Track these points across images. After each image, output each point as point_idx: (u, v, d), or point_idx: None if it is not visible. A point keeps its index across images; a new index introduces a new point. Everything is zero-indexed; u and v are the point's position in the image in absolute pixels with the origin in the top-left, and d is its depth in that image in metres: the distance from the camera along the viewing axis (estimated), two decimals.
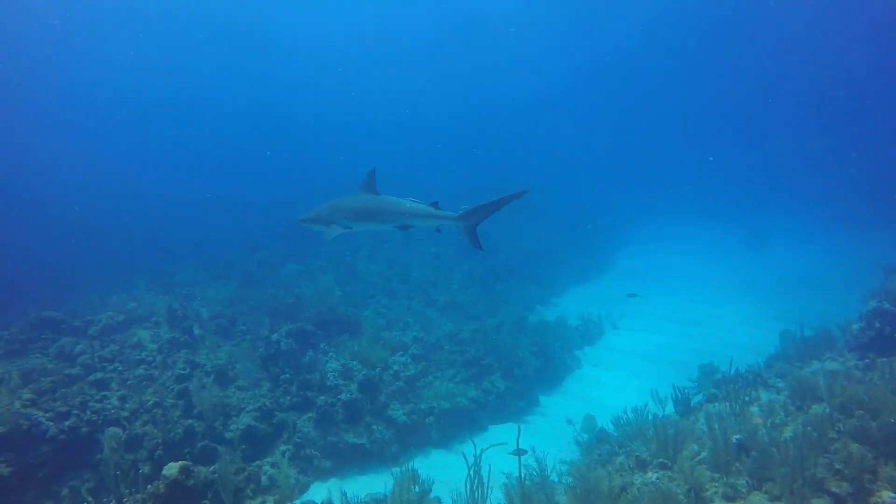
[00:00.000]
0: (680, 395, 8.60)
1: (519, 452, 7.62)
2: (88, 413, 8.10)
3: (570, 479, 7.28)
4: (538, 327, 13.48)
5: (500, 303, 15.45)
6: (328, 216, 6.87)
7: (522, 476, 6.79)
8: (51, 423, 7.78)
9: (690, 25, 45.90)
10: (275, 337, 10.29)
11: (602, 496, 5.52)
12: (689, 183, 40.25)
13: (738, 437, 6.13)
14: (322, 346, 10.60)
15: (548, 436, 9.75)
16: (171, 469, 5.09)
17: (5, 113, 41.54)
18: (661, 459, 6.42)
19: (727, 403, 7.71)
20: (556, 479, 7.40)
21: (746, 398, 7.61)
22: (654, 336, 14.83)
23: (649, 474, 6.28)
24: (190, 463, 5.20)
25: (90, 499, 7.10)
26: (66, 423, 7.82)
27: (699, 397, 9.12)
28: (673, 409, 8.63)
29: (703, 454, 6.35)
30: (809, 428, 5.57)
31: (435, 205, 6.81)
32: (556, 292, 18.76)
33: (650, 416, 8.15)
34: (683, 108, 55.74)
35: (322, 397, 9.01)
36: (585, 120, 57.49)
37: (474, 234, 6.85)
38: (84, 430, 7.85)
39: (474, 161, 36.75)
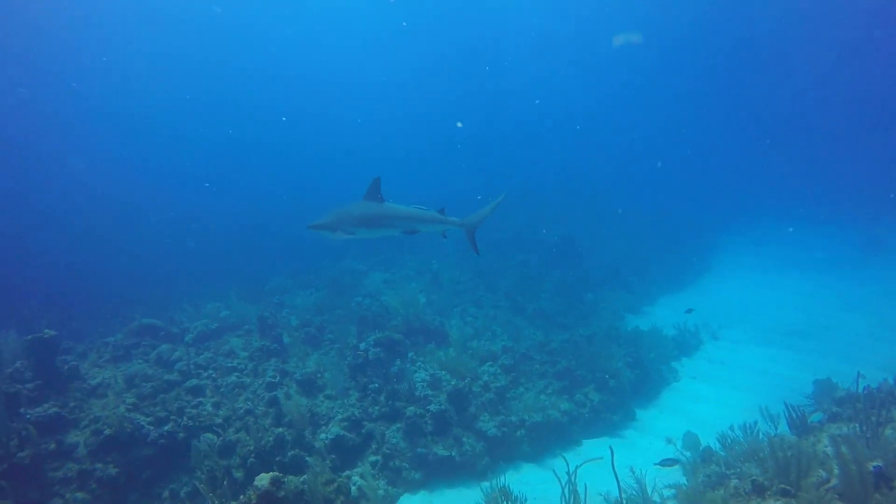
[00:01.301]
0: (795, 414, 7.81)
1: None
2: (185, 419, 8.29)
3: (675, 503, 6.74)
4: (632, 337, 12.84)
5: (591, 312, 14.90)
6: (334, 223, 7.25)
7: (624, 496, 6.33)
8: (151, 428, 8.01)
9: (778, 11, 42.85)
10: (363, 346, 10.25)
11: None
12: (792, 184, 37.48)
13: (876, 464, 5.41)
14: (410, 355, 10.46)
15: (646, 452, 9.15)
16: (263, 480, 5.00)
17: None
18: (782, 485, 5.76)
19: (854, 424, 6.90)
20: (659, 501, 6.88)
21: (878, 419, 6.75)
22: (760, 348, 13.75)
23: (769, 502, 5.64)
24: (280, 474, 5.11)
25: (187, 503, 7.25)
26: (165, 428, 8.03)
27: (817, 416, 8.29)
28: (787, 429, 7.87)
29: (833, 482, 5.64)
30: None
31: (441, 211, 7.36)
32: (649, 301, 17.93)
33: (761, 436, 7.48)
34: (781, 103, 52.21)
35: (411, 408, 8.84)
36: (678, 119, 54.85)
37: (473, 238, 7.55)
38: (181, 435, 8.03)
39: (562, 168, 35.65)
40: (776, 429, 8.02)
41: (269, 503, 4.97)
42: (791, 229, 26.22)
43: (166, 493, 7.51)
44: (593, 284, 17.44)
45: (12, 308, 13.33)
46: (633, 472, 6.96)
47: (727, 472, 6.88)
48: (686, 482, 7.02)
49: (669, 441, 9.37)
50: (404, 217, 7.32)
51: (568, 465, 6.60)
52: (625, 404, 10.56)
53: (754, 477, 6.01)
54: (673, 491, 6.89)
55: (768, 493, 5.77)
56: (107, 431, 7.81)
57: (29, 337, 9.26)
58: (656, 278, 19.44)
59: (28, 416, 7.96)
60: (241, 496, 5.22)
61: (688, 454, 8.27)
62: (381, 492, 7.58)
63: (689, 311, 13.98)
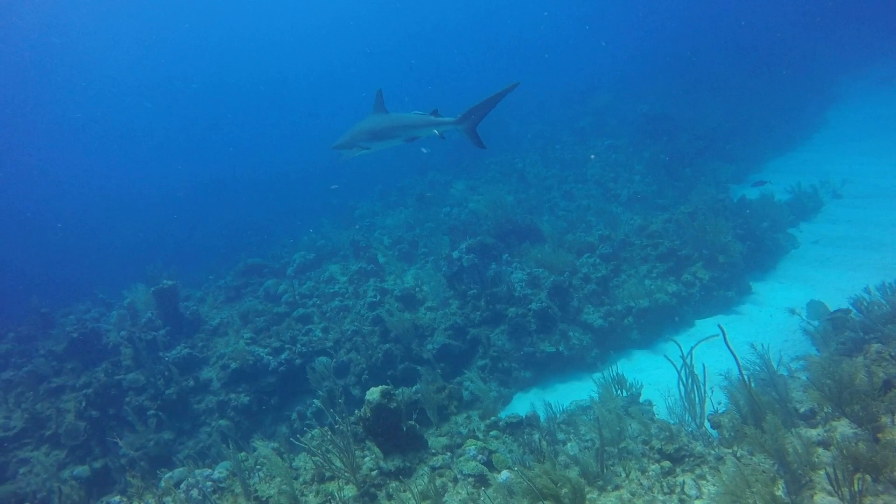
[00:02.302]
0: None
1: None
2: (299, 346, 8.72)
3: (805, 375, 6.28)
4: (739, 208, 11.98)
5: (690, 188, 14.02)
6: (350, 141, 7.52)
7: (746, 374, 5.97)
8: (271, 358, 8.51)
9: None
10: (456, 254, 10.20)
11: (859, 394, 4.44)
12: None
13: None
14: (504, 257, 10.32)
15: (766, 326, 8.63)
16: (374, 394, 5.13)
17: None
18: None
19: None
20: (787, 375, 6.45)
21: None
22: (892, 199, 12.29)
23: None
24: (390, 387, 5.21)
25: (314, 421, 7.71)
26: (283, 357, 8.51)
27: None
28: None
29: None
30: None
31: (435, 112, 7.16)
32: (755, 167, 16.55)
33: None
34: None
35: (512, 309, 8.77)
36: None
37: (475, 133, 7.11)
38: (298, 361, 8.48)
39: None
40: None
41: (383, 414, 5.11)
42: None
43: (294, 415, 8.02)
44: (690, 158, 16.29)
45: (139, 267, 14.43)
46: (755, 348, 6.54)
47: (866, 336, 6.27)
48: (817, 352, 6.50)
49: (793, 312, 8.70)
50: (408, 125, 7.32)
51: (681, 347, 6.29)
52: (738, 278, 9.95)
53: None
54: (802, 363, 6.42)
55: None
56: (233, 365, 8.39)
57: (153, 289, 10.07)
58: (761, 141, 17.79)
59: (167, 358, 8.71)
60: (357, 412, 5.40)
61: (815, 323, 7.68)
62: (493, 393, 7.68)
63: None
